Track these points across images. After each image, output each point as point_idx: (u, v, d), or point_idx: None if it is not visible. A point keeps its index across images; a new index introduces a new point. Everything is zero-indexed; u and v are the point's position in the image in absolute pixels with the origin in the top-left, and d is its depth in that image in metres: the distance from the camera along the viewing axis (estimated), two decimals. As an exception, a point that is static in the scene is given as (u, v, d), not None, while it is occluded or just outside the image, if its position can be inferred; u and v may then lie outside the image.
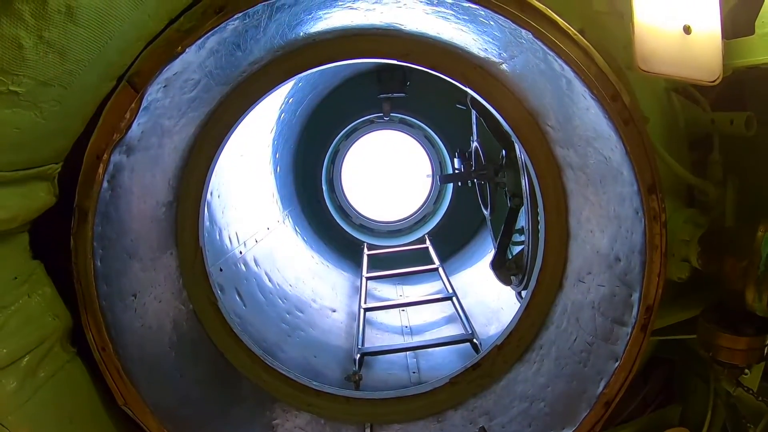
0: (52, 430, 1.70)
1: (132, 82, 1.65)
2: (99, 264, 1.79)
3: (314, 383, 2.46)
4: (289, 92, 3.83)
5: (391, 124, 5.81)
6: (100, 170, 1.68)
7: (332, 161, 5.77)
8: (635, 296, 1.87)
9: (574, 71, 1.76)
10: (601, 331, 2.03)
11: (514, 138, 2.42)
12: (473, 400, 2.38)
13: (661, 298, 1.85)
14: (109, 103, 1.66)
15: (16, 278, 1.65)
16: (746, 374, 2.05)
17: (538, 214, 2.84)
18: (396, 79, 5.01)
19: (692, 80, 1.82)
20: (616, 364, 1.90)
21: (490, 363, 2.44)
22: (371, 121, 5.72)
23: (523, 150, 2.40)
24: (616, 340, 1.94)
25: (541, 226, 2.46)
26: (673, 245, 1.89)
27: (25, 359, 1.62)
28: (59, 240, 1.79)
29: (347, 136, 5.75)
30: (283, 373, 2.44)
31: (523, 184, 2.90)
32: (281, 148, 4.62)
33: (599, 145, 1.94)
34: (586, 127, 1.97)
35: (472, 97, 3.50)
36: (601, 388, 1.92)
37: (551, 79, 1.96)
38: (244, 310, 2.70)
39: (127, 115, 1.67)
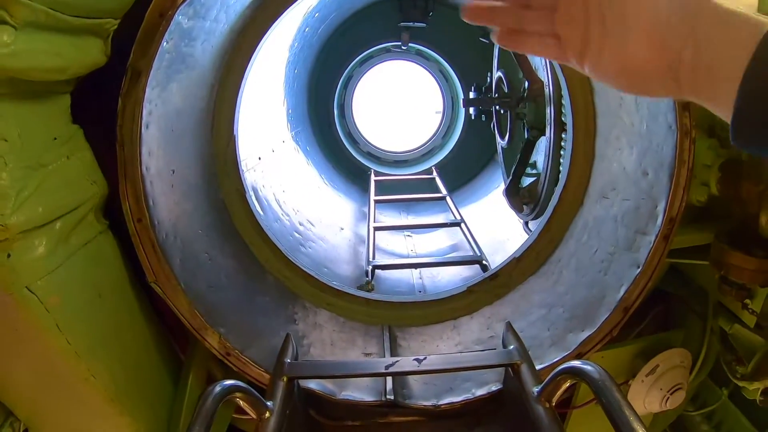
0: (82, 303, 1.67)
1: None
2: (144, 130, 1.76)
3: (334, 283, 2.50)
4: (316, 5, 3.77)
5: (407, 55, 5.74)
6: (162, 28, 1.63)
7: (345, 86, 5.71)
8: (660, 207, 1.93)
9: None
10: (623, 241, 2.09)
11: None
12: (489, 308, 2.45)
13: (682, 216, 1.92)
14: (182, -47, 1.60)
15: (56, 139, 1.61)
16: (749, 307, 2.16)
17: (561, 140, 2.90)
18: (418, 8, 4.95)
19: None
20: (638, 270, 1.97)
21: (507, 274, 2.50)
22: (388, 50, 5.65)
23: (561, 73, 2.41)
24: (639, 248, 2.00)
25: (567, 149, 2.50)
26: (695, 169, 1.95)
27: (59, 223, 1.59)
28: (97, 112, 1.76)
29: (362, 62, 5.67)
30: (305, 270, 2.47)
31: (548, 112, 2.94)
32: (300, 65, 4.59)
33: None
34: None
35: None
36: (621, 293, 1.99)
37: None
38: (262, 216, 2.71)
39: (202, -33, 1.61)
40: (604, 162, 2.33)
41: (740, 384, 2.29)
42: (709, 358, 2.46)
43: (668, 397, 2.35)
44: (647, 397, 2.35)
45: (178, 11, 1.65)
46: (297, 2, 2.29)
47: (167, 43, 1.69)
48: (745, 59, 0.65)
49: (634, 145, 2.11)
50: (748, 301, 2.12)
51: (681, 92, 0.76)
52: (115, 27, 1.65)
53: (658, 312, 2.59)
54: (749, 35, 0.65)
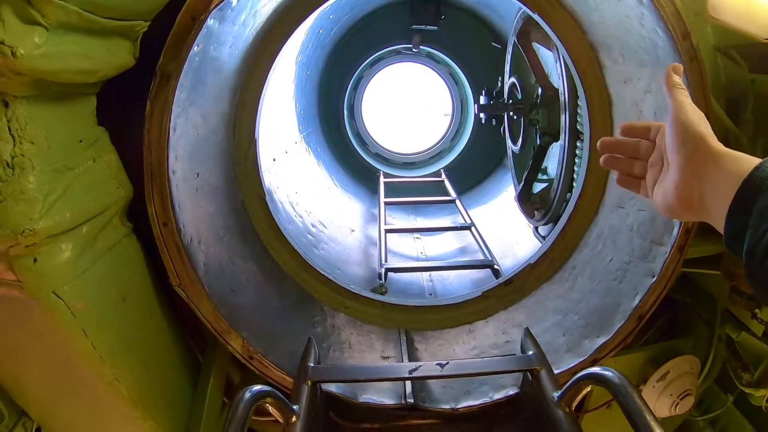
0: (107, 307, 1.69)
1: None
2: (172, 133, 1.77)
3: (352, 286, 2.53)
4: (330, 8, 3.79)
5: (418, 57, 5.72)
6: (194, 32, 1.64)
7: (355, 87, 5.71)
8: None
9: (654, 6, 1.82)
10: (638, 251, 2.12)
11: (572, 70, 2.45)
12: (504, 313, 2.48)
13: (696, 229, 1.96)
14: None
15: (81, 141, 1.62)
16: (758, 316, 2.19)
17: (575, 148, 2.93)
18: (429, 12, 4.92)
19: (750, 34, 1.96)
20: (653, 280, 2.00)
21: (521, 280, 2.53)
22: (398, 52, 5.64)
23: (579, 83, 2.44)
24: (654, 258, 2.04)
25: (583, 158, 2.53)
26: None
27: (85, 227, 1.59)
28: (120, 114, 1.77)
29: (373, 63, 5.68)
30: (322, 273, 2.50)
31: (563, 120, 2.96)
32: (312, 66, 4.62)
33: (660, 80, 2.00)
34: (651, 62, 2.04)
35: (520, 31, 3.53)
36: (636, 302, 2.03)
37: (624, 12, 2.02)
38: (277, 217, 2.73)
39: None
40: (620, 172, 2.35)
41: (747, 390, 2.33)
42: (716, 364, 2.50)
43: (677, 403, 2.40)
44: (657, 403, 2.40)
45: (210, 15, 1.66)
46: (321, 6, 2.31)
47: (197, 47, 1.70)
48: (730, 196, 0.89)
49: (652, 158, 2.13)
50: (757, 310, 2.16)
51: (700, 218, 1.02)
52: (145, 29, 1.66)
53: (666, 318, 2.63)
54: (734, 177, 0.90)
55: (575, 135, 2.94)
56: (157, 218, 1.83)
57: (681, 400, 2.40)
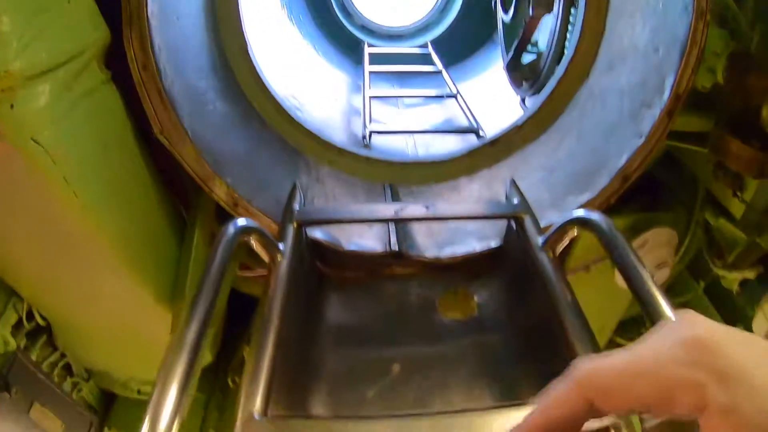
0: (87, 155, 1.64)
1: None
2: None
3: (336, 140, 2.50)
4: None
5: None
6: None
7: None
8: (668, 82, 1.93)
9: None
10: (628, 112, 2.11)
11: None
12: (488, 171, 2.49)
13: (686, 98, 1.93)
14: None
15: (52, -17, 1.49)
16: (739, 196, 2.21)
17: (569, 15, 2.84)
18: None
19: None
20: (641, 140, 1.99)
21: (506, 141, 2.53)
22: None
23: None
24: (642, 120, 2.02)
25: (576, 24, 2.45)
26: (705, 54, 1.95)
27: (62, 70, 1.51)
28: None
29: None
30: (307, 127, 2.47)
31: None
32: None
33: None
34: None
35: None
36: (622, 162, 2.02)
37: None
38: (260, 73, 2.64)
39: None
40: (615, 36, 2.32)
41: (720, 273, 2.39)
42: (691, 248, 2.55)
43: (654, 273, 2.47)
44: (635, 271, 2.46)
45: None
46: None
47: None
48: None
49: (647, 21, 2.10)
50: (739, 193, 2.19)
51: None
52: None
53: (646, 200, 2.64)
54: None
55: (569, 2, 2.84)
56: (137, 61, 1.75)
57: (657, 270, 2.47)
